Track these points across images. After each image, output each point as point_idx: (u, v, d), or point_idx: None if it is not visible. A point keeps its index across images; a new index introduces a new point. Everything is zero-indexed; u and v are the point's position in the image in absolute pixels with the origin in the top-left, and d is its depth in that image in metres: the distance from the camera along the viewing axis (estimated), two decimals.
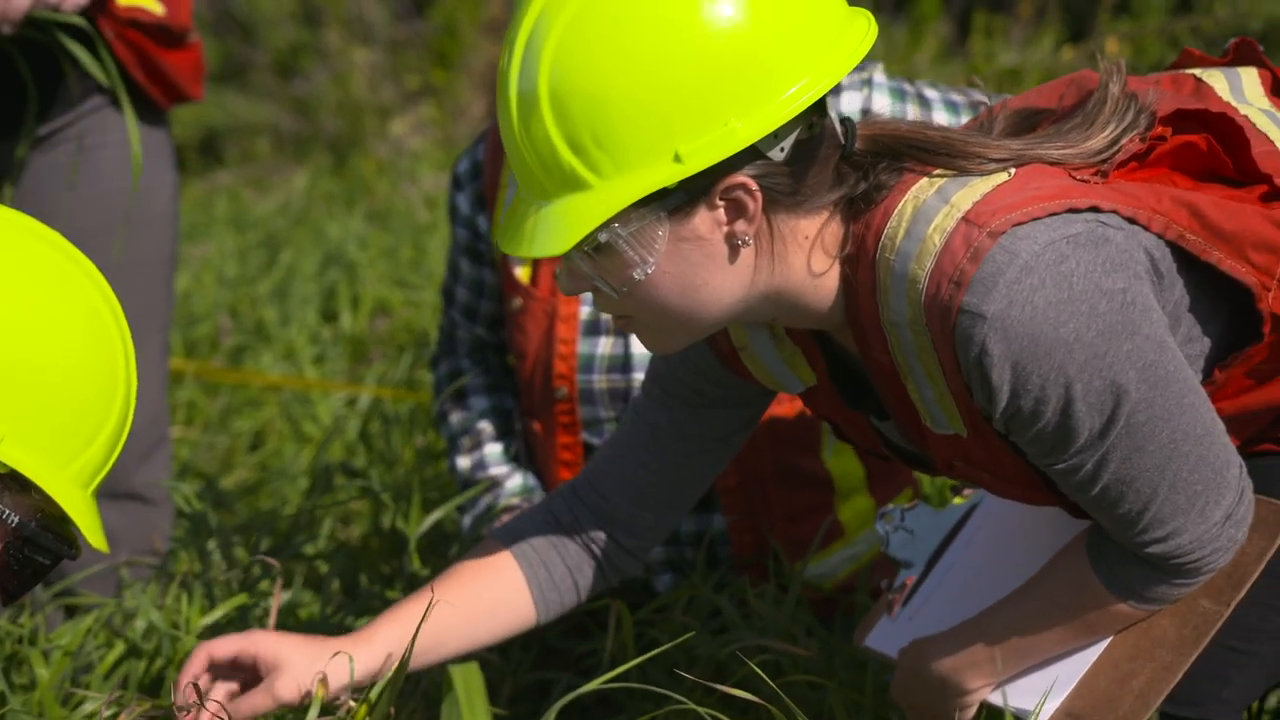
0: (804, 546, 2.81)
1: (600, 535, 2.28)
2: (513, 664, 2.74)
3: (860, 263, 1.90)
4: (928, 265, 1.84)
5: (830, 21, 1.84)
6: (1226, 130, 1.96)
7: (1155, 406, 1.85)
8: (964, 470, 2.03)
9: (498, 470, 3.00)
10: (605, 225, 1.82)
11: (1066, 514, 2.06)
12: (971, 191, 1.86)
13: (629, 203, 1.81)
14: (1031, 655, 2.07)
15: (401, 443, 3.76)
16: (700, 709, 2.10)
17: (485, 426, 3.04)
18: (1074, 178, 1.89)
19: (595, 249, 1.85)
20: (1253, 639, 2.02)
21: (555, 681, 2.75)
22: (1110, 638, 2.05)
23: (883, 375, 1.97)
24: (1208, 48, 2.26)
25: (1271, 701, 2.47)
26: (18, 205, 2.93)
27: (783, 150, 1.84)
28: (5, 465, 1.71)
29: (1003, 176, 1.88)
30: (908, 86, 2.84)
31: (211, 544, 2.87)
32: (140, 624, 2.65)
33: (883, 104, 2.78)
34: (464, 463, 3.03)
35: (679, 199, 1.83)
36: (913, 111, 2.80)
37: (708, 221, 1.85)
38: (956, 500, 2.34)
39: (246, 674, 2.20)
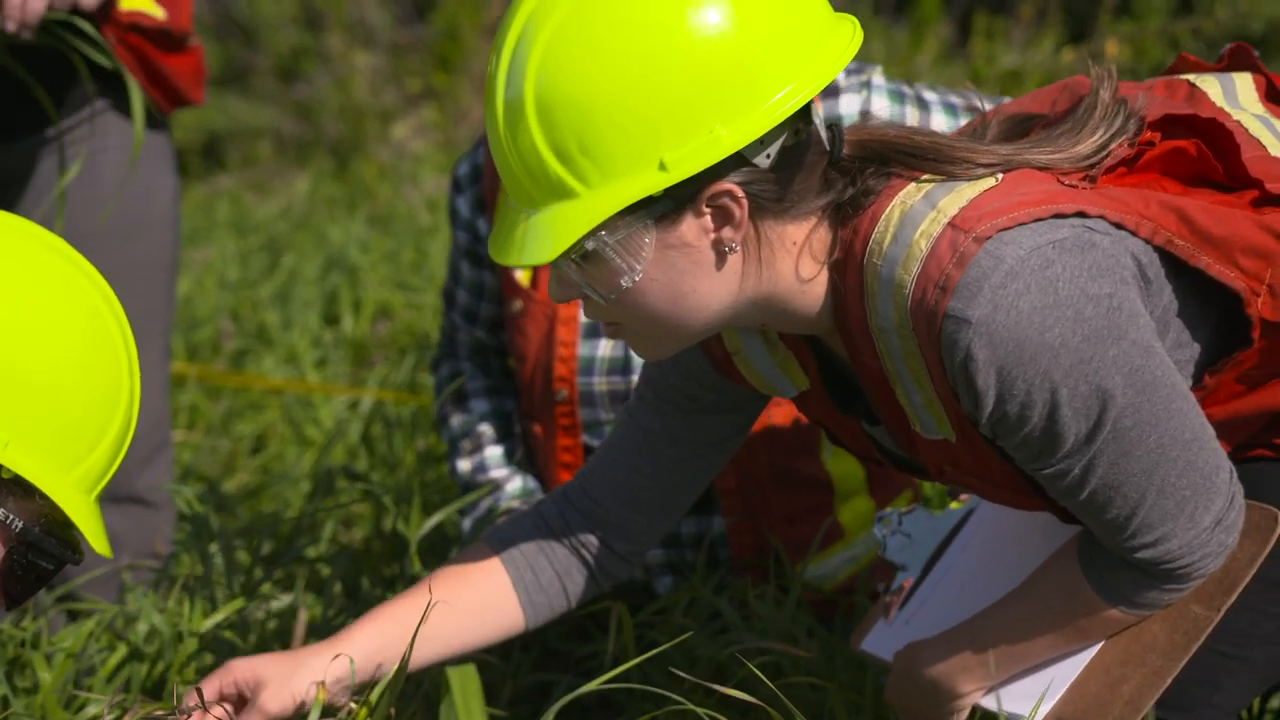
0: (804, 548, 2.81)
1: (591, 539, 2.28)
2: (513, 666, 2.74)
3: (848, 268, 1.90)
4: (914, 270, 1.83)
5: (815, 27, 1.83)
6: (1217, 135, 1.96)
7: (1142, 411, 1.85)
8: (954, 475, 2.02)
9: (498, 473, 3.00)
10: (592, 233, 1.83)
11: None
12: (958, 197, 1.86)
13: (615, 211, 1.81)
14: (1023, 660, 2.06)
15: (403, 446, 3.76)
16: (700, 710, 2.10)
17: (486, 429, 3.04)
18: (1062, 183, 1.89)
19: (583, 257, 1.85)
20: (1244, 644, 2.02)
21: (556, 683, 2.75)
22: (1101, 643, 2.05)
23: (872, 380, 1.97)
24: (1208, 49, 2.26)
25: (1273, 703, 2.46)
26: (18, 209, 2.94)
27: (769, 157, 1.84)
28: (9, 470, 1.72)
29: (990, 182, 1.88)
30: (907, 89, 2.83)
31: (213, 547, 2.87)
32: (142, 627, 2.66)
33: (881, 106, 2.77)
34: (465, 466, 3.03)
35: (665, 206, 1.83)
36: (911, 113, 2.79)
37: (694, 229, 1.85)
38: (953, 504, 2.34)
39: (234, 703, 2.20)
